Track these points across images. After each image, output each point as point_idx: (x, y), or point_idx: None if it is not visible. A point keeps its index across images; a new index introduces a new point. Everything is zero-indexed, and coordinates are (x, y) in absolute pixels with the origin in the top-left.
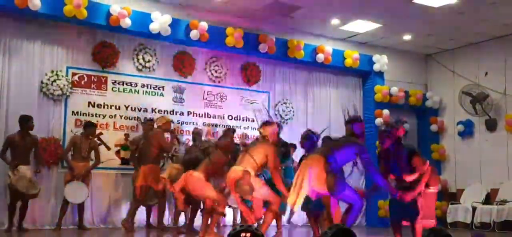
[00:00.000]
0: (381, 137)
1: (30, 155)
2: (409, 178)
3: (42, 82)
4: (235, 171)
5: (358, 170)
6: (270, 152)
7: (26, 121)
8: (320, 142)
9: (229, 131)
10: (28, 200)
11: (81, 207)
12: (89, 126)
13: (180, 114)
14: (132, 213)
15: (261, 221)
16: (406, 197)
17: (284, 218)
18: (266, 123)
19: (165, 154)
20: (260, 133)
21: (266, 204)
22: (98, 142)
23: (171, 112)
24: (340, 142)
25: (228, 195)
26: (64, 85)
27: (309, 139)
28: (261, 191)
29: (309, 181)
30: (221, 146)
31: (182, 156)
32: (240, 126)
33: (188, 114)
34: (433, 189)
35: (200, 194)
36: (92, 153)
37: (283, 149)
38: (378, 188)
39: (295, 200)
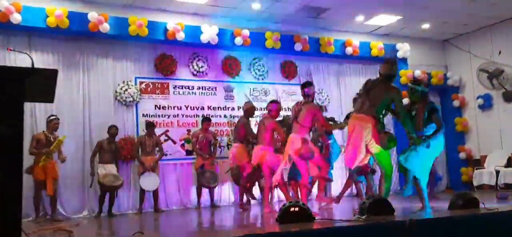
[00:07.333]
0: (412, 94)
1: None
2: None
3: (116, 92)
4: (295, 141)
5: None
6: (317, 112)
7: (111, 129)
8: None
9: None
10: (115, 191)
11: (155, 193)
12: (150, 126)
13: (231, 109)
14: (241, 196)
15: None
16: (417, 143)
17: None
18: (307, 84)
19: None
20: (302, 93)
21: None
22: (165, 137)
23: (223, 108)
24: (379, 95)
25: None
26: (134, 93)
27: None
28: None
29: (361, 141)
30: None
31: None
32: (281, 115)
33: (238, 109)
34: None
35: (274, 165)
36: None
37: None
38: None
39: (354, 160)
